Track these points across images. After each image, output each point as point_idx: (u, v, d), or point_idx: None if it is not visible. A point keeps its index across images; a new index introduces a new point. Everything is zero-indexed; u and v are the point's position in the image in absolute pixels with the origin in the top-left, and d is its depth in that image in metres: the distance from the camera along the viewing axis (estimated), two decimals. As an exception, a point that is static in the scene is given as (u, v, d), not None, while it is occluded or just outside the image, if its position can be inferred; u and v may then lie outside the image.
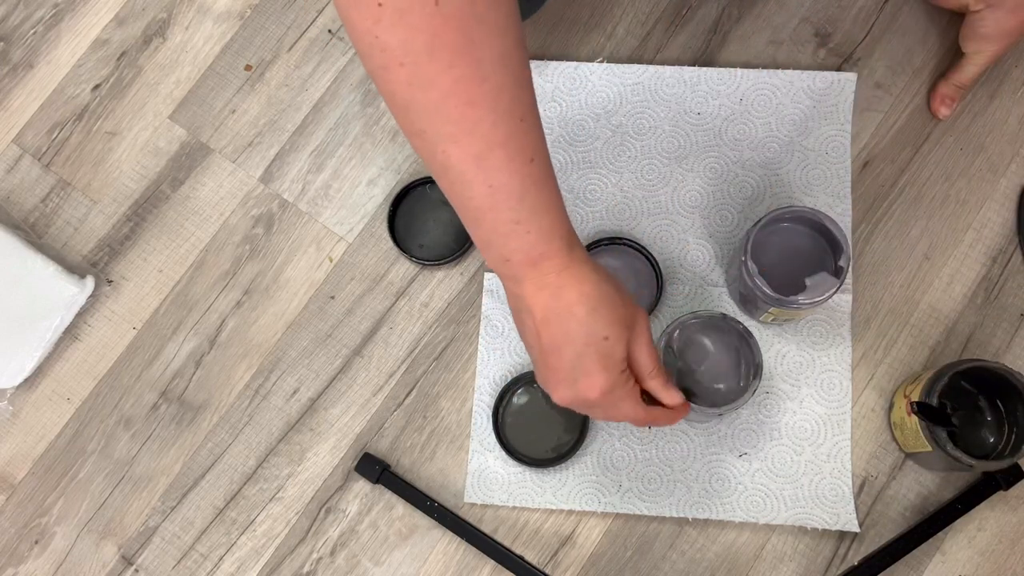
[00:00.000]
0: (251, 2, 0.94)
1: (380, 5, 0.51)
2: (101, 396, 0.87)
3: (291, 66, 0.93)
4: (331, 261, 0.88)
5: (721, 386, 0.76)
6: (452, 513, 0.82)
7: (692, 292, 0.85)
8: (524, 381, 0.83)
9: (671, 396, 0.67)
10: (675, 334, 0.75)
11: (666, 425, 0.66)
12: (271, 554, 0.83)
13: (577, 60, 0.90)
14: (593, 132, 0.89)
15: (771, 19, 0.91)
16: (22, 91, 0.93)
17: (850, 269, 0.83)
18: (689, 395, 0.74)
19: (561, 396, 0.63)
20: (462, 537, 0.81)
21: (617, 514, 0.82)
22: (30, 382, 0.87)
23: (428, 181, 0.88)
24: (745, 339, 0.75)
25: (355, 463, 0.83)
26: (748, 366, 0.75)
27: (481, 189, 0.57)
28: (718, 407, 0.74)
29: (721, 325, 0.75)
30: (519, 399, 0.83)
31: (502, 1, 0.53)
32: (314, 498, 0.84)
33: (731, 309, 0.85)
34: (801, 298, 0.75)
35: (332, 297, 0.88)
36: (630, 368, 0.64)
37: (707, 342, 0.76)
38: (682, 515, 0.81)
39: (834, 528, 0.80)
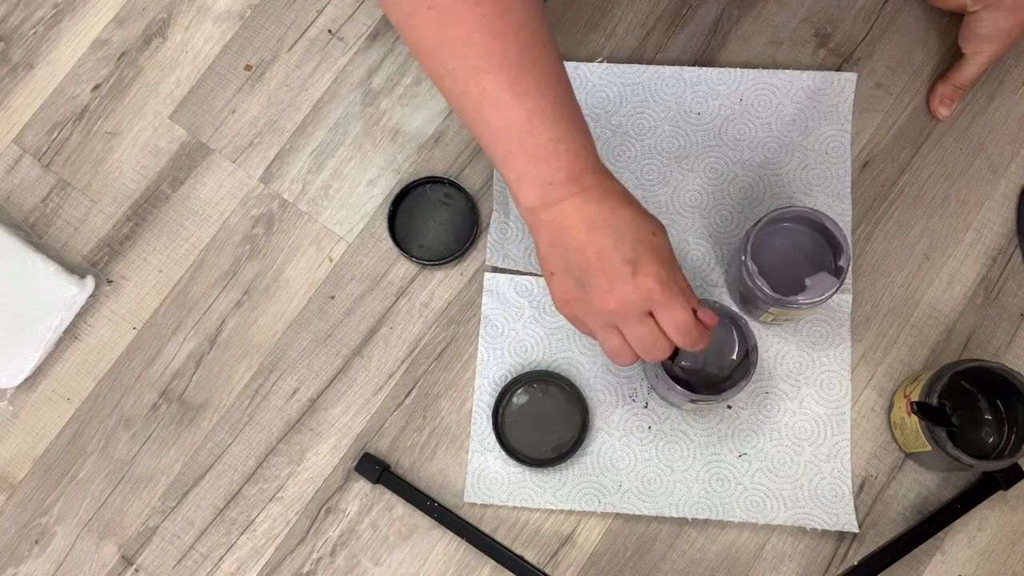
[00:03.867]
0: (251, 2, 0.94)
1: None
2: (101, 396, 0.87)
3: (291, 66, 0.93)
4: (331, 261, 0.88)
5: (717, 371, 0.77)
6: (452, 513, 0.82)
7: (692, 292, 0.85)
8: (524, 381, 0.83)
9: (705, 313, 0.67)
10: None
11: (696, 346, 0.66)
12: (271, 554, 0.83)
13: (577, 60, 0.90)
14: (593, 132, 0.87)
15: (771, 19, 0.91)
16: (22, 91, 0.93)
17: (850, 269, 0.83)
18: (685, 384, 0.75)
19: (620, 293, 0.63)
20: (462, 537, 0.81)
21: (617, 514, 0.82)
22: (30, 382, 0.87)
23: (428, 181, 0.88)
24: (738, 324, 0.75)
25: (355, 463, 0.83)
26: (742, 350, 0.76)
27: (519, 114, 0.61)
28: (716, 395, 0.75)
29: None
30: (519, 399, 0.83)
31: None
32: (314, 498, 0.84)
33: (731, 309, 0.85)
34: (801, 298, 0.75)
35: (332, 297, 0.88)
36: None
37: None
38: (682, 515, 0.81)
39: (834, 528, 0.80)
